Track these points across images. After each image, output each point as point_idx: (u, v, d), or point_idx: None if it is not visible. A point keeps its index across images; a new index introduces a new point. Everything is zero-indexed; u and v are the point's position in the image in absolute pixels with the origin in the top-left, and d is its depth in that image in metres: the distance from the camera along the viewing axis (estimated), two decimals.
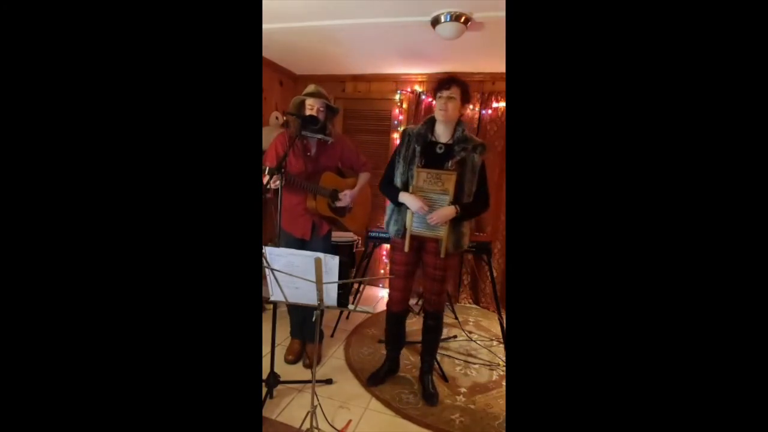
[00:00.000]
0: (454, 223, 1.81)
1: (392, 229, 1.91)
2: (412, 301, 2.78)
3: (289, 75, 3.65)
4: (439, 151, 1.83)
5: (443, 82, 1.78)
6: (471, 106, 3.19)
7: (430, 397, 1.95)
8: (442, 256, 1.83)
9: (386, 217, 1.97)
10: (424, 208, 1.77)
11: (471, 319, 3.08)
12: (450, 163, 1.79)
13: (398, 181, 1.87)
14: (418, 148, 1.82)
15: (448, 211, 1.76)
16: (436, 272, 1.90)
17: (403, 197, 1.81)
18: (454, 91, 1.77)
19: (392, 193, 1.88)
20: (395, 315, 2.05)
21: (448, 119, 1.80)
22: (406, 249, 1.86)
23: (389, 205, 1.96)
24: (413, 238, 1.86)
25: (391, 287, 2.05)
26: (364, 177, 2.25)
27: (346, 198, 2.15)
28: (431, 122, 1.87)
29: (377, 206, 2.87)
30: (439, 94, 1.79)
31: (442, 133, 1.85)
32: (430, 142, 1.84)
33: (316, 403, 1.52)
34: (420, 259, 1.96)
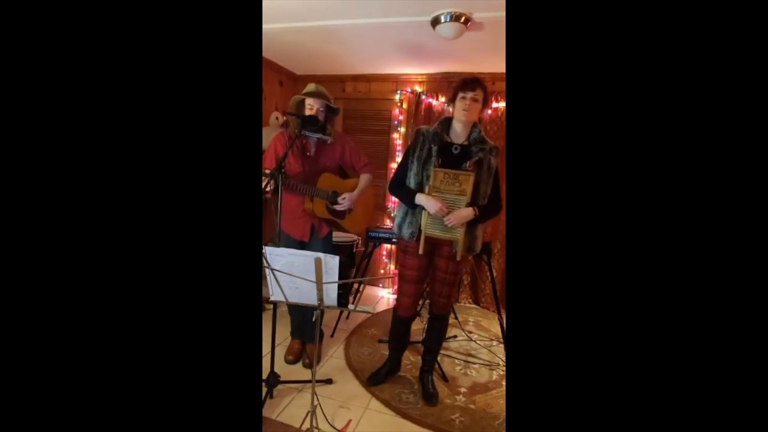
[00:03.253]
0: (470, 225, 1.77)
1: (406, 232, 1.85)
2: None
3: (289, 75, 3.65)
4: (455, 151, 1.79)
5: (469, 83, 1.74)
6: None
7: (430, 396, 1.95)
8: (458, 258, 1.79)
9: (397, 220, 1.91)
10: (444, 210, 1.71)
11: (471, 319, 3.08)
12: (468, 164, 1.75)
13: (412, 182, 1.81)
14: (434, 148, 1.77)
15: (467, 212, 1.71)
16: (447, 276, 1.87)
17: (420, 199, 1.76)
18: (479, 93, 1.74)
19: (406, 194, 1.83)
20: (404, 320, 2.01)
21: (469, 120, 1.77)
22: (421, 251, 1.80)
23: (399, 207, 1.90)
24: (426, 240, 1.80)
25: (400, 292, 1.99)
26: (365, 179, 2.20)
27: (345, 202, 2.11)
28: (447, 123, 1.83)
29: (377, 207, 2.86)
30: (463, 95, 1.74)
31: (459, 134, 1.81)
32: (445, 142, 1.80)
33: (316, 403, 1.52)
34: (431, 264, 1.91)
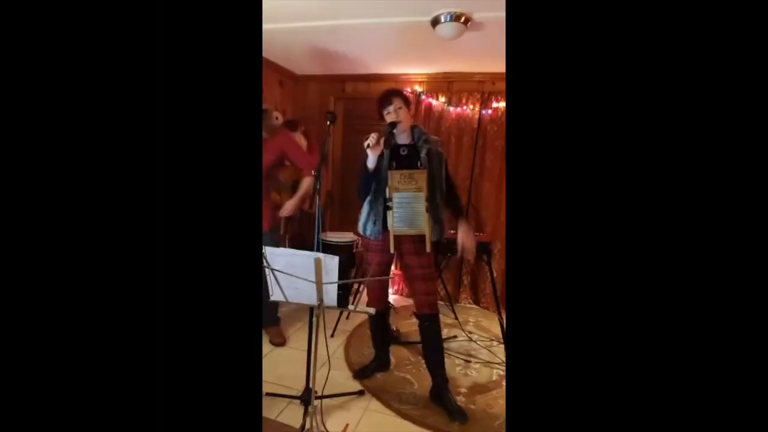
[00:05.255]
0: (434, 215, 1.85)
1: (372, 230, 1.93)
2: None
3: (289, 75, 3.64)
4: (402, 153, 1.91)
5: (386, 99, 1.88)
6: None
7: (459, 414, 1.82)
8: (428, 250, 1.84)
9: (362, 219, 1.99)
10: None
11: (471, 319, 3.08)
12: (419, 162, 1.87)
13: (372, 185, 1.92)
14: (387, 152, 1.86)
15: (467, 232, 1.88)
16: (424, 271, 1.90)
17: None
18: (399, 102, 1.87)
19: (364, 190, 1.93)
20: (376, 312, 2.01)
21: (405, 127, 1.89)
22: (392, 250, 1.87)
23: (364, 207, 1.99)
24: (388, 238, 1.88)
25: (368, 287, 2.11)
26: (305, 183, 2.30)
27: (285, 210, 2.24)
28: (392, 127, 1.88)
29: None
30: (387, 110, 1.87)
31: (403, 138, 1.94)
32: (395, 145, 1.91)
33: (316, 403, 1.52)
34: (403, 264, 1.98)
